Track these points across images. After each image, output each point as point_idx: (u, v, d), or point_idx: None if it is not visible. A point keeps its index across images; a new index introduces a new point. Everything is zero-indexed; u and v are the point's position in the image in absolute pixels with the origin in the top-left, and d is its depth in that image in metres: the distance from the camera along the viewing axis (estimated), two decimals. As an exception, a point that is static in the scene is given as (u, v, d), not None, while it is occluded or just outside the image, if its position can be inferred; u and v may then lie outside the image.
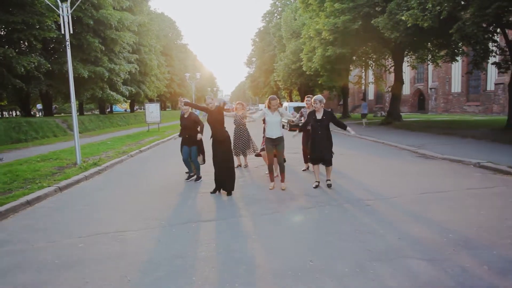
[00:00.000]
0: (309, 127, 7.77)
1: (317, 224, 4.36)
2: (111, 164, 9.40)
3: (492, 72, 27.66)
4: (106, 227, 4.48)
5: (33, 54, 17.64)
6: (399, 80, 21.26)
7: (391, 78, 34.49)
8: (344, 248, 3.56)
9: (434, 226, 4.07)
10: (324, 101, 6.16)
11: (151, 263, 3.40)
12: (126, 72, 26.46)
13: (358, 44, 18.96)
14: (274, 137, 6.07)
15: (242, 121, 8.13)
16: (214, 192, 6.04)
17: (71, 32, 8.64)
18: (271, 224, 4.45)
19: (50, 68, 18.99)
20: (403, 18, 11.25)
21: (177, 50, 59.66)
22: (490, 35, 15.61)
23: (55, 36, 17.62)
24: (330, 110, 6.22)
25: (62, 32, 8.46)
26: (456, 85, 34.67)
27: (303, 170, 7.93)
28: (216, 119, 5.91)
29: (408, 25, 11.17)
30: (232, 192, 5.96)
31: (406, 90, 37.76)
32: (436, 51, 20.81)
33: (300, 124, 8.15)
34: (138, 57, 31.76)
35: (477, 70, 17.81)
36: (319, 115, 6.07)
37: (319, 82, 22.08)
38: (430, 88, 37.18)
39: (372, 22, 14.34)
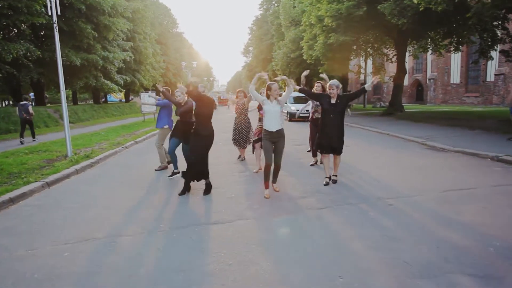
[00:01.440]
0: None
1: (337, 228, 3.85)
2: (105, 157, 8.81)
3: (492, 63, 27.20)
4: (97, 231, 3.93)
5: (22, 41, 16.81)
6: (401, 70, 20.69)
7: (389, 68, 33.91)
8: (375, 259, 3.05)
9: (473, 232, 3.57)
10: (341, 86, 5.58)
11: (149, 278, 2.87)
12: (120, 60, 25.58)
13: (361, 31, 18.27)
14: (273, 130, 5.00)
15: (244, 111, 7.52)
16: (182, 193, 5.30)
17: (59, 13, 7.95)
18: (285, 228, 3.93)
19: (41, 56, 18.16)
20: (414, 1, 10.63)
21: (173, 38, 58.33)
22: (499, 22, 15.07)
23: (44, 21, 16.73)
24: (344, 93, 5.66)
25: (49, 13, 7.76)
26: (455, 76, 34.26)
27: (311, 165, 7.36)
28: (205, 112, 5.24)
29: (420, 9, 10.57)
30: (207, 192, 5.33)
31: (405, 80, 37.21)
32: (439, 40, 20.25)
33: (309, 114, 7.55)
34: (133, 45, 30.80)
35: (484, 59, 17.32)
36: (333, 100, 5.45)
37: (320, 71, 21.43)
38: (429, 79, 36.68)
39: (378, 7, 13.68)
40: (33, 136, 12.66)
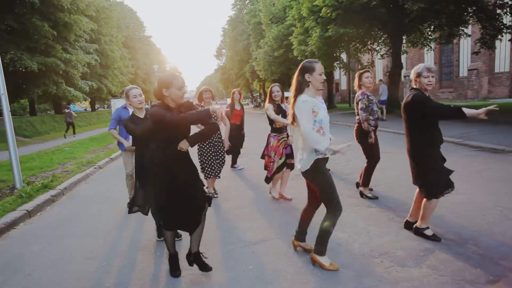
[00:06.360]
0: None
1: None
2: (72, 184, 6.39)
3: (464, 59, 27.28)
4: None
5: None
6: (397, 65, 19.50)
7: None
8: None
9: None
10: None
11: None
12: (84, 64, 22.62)
13: (360, 23, 16.70)
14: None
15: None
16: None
17: None
18: None
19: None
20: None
21: (140, 42, 55.09)
22: (507, 10, 14.04)
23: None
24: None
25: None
26: (429, 72, 34.36)
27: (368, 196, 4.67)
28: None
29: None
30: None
31: (379, 78, 36.75)
32: (430, 33, 19.46)
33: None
34: (98, 48, 27.71)
35: (486, 49, 16.39)
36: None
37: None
38: (404, 76, 36.39)
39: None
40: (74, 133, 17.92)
